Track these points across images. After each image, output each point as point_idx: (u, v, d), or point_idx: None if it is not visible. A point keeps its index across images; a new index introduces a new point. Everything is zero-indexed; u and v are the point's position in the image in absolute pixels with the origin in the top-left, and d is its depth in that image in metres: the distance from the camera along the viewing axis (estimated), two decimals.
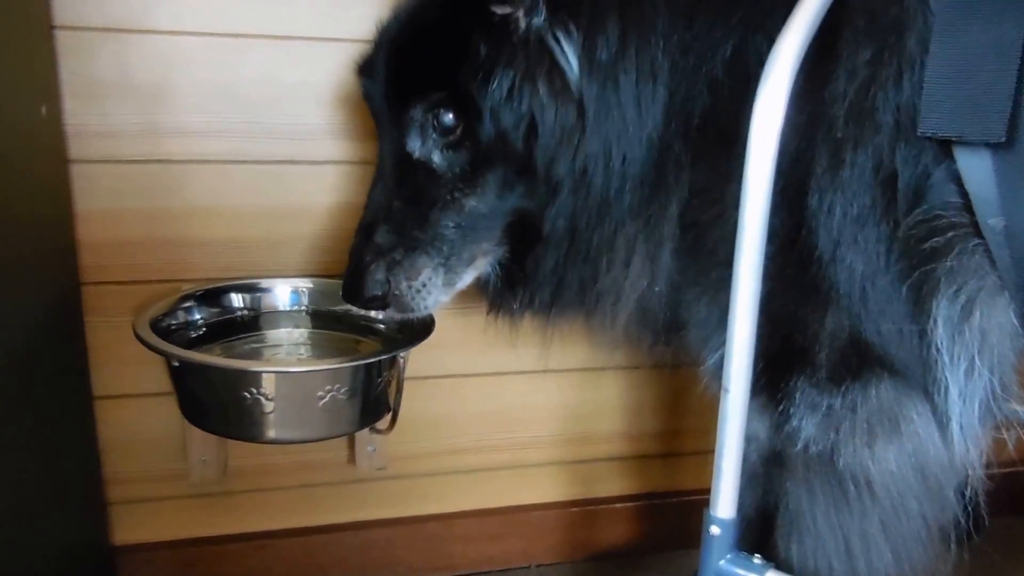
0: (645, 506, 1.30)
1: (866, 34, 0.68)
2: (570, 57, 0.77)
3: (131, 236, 1.03)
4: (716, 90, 0.76)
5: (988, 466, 0.78)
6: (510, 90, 0.78)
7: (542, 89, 0.78)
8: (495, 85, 0.78)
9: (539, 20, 0.78)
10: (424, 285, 0.85)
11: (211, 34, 0.99)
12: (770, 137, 0.65)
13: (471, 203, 0.83)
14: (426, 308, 0.87)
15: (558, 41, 0.77)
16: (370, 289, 0.85)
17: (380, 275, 0.84)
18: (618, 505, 1.29)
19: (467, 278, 0.89)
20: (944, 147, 0.66)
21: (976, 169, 0.64)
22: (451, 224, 0.84)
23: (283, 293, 1.08)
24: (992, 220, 0.64)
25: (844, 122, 0.69)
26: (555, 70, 0.78)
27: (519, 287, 0.88)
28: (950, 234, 0.67)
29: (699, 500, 1.26)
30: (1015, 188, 0.63)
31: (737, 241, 0.67)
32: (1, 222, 0.78)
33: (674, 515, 1.30)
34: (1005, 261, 0.66)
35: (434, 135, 0.83)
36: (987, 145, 0.63)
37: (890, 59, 0.67)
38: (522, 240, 0.86)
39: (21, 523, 0.83)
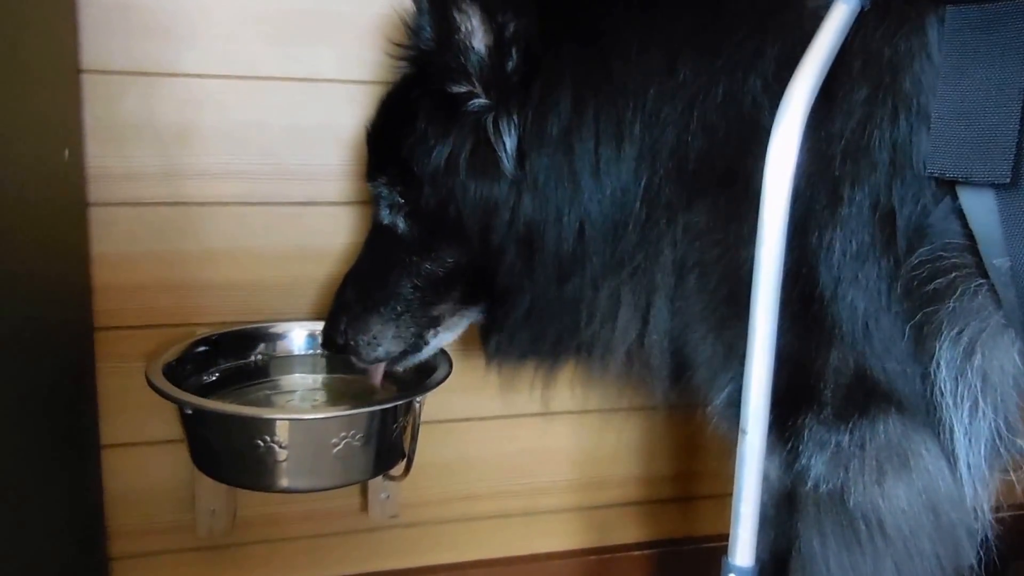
0: (661, 553, 1.28)
1: (862, 74, 0.70)
2: (505, 138, 0.81)
3: (146, 280, 1.02)
4: (711, 133, 0.77)
5: (999, 508, 0.78)
6: (440, 165, 0.84)
7: (462, 166, 0.83)
8: (432, 159, 0.84)
9: (482, 101, 0.82)
10: (375, 338, 0.93)
11: (236, 76, 1.00)
12: (784, 180, 0.65)
13: (427, 266, 0.89)
14: (375, 359, 0.95)
15: (496, 124, 0.82)
16: (332, 337, 0.95)
17: (342, 326, 0.94)
18: (634, 553, 1.28)
19: (441, 335, 0.95)
20: (943, 185, 0.68)
21: (980, 209, 0.65)
22: (408, 284, 0.91)
23: (299, 337, 1.08)
24: (998, 260, 0.65)
25: (841, 160, 0.71)
26: (479, 149, 0.82)
27: (490, 335, 0.93)
28: (953, 275, 0.68)
29: (715, 547, 1.26)
30: (1020, 228, 0.64)
31: (753, 283, 0.67)
32: (17, 266, 0.77)
33: (690, 563, 1.28)
34: (1011, 301, 0.66)
35: (396, 203, 0.90)
36: (991, 186, 0.63)
37: (885, 98, 0.69)
38: (488, 298, 0.91)
39: None
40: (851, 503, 0.75)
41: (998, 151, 0.62)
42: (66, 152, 0.91)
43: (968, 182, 0.65)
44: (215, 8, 0.98)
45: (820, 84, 0.66)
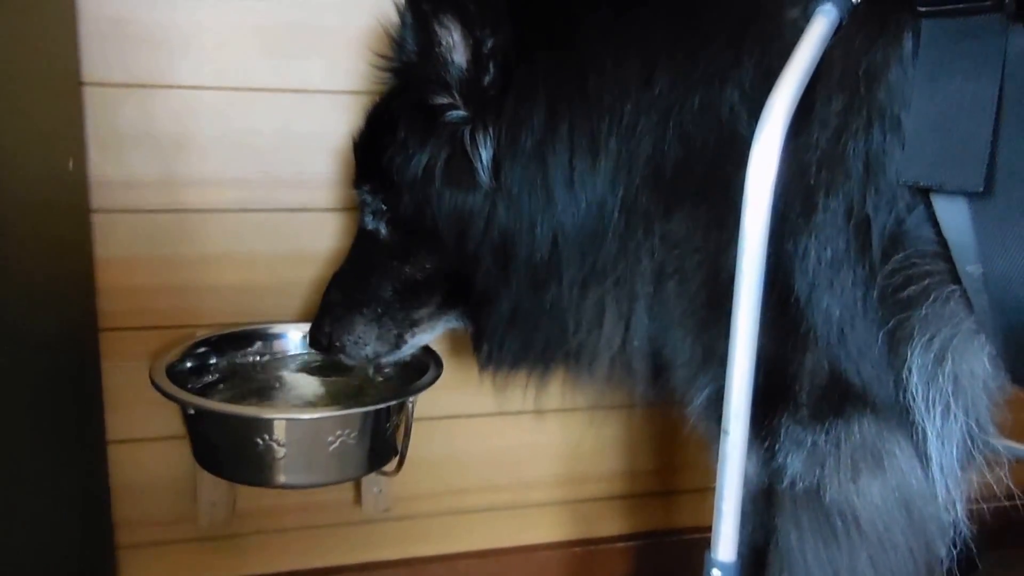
0: (642, 545, 1.31)
1: (839, 85, 0.70)
2: (481, 149, 0.83)
3: (148, 283, 1.05)
4: (688, 142, 0.78)
5: (973, 500, 0.79)
6: (418, 173, 0.86)
7: (438, 176, 0.85)
8: (410, 167, 0.87)
9: (460, 113, 0.84)
10: (360, 338, 0.96)
11: (230, 88, 1.03)
12: (764, 190, 0.66)
13: (407, 270, 0.92)
14: (365, 357, 0.98)
15: (473, 135, 0.84)
16: (317, 337, 0.98)
17: (327, 327, 0.97)
18: (618, 544, 1.31)
19: (419, 335, 0.98)
20: (917, 194, 0.68)
21: (954, 217, 0.66)
22: (389, 288, 0.94)
23: (294, 337, 1.11)
24: (970, 267, 0.66)
25: (816, 169, 0.71)
26: (455, 159, 0.84)
27: (481, 343, 0.95)
28: (926, 282, 0.69)
29: (696, 539, 1.30)
30: (992, 235, 0.64)
31: (735, 290, 0.68)
32: (25, 270, 0.80)
33: (670, 554, 1.31)
34: (983, 306, 0.67)
35: (379, 210, 0.93)
36: (964, 194, 0.64)
37: (860, 109, 0.69)
38: (467, 302, 0.93)
39: (27, 569, 0.82)
40: (827, 499, 0.77)
41: (971, 160, 0.63)
42: (70, 162, 0.94)
43: (942, 190, 0.65)
44: (209, 22, 1.00)
45: (800, 95, 0.66)
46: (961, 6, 0.63)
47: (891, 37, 0.69)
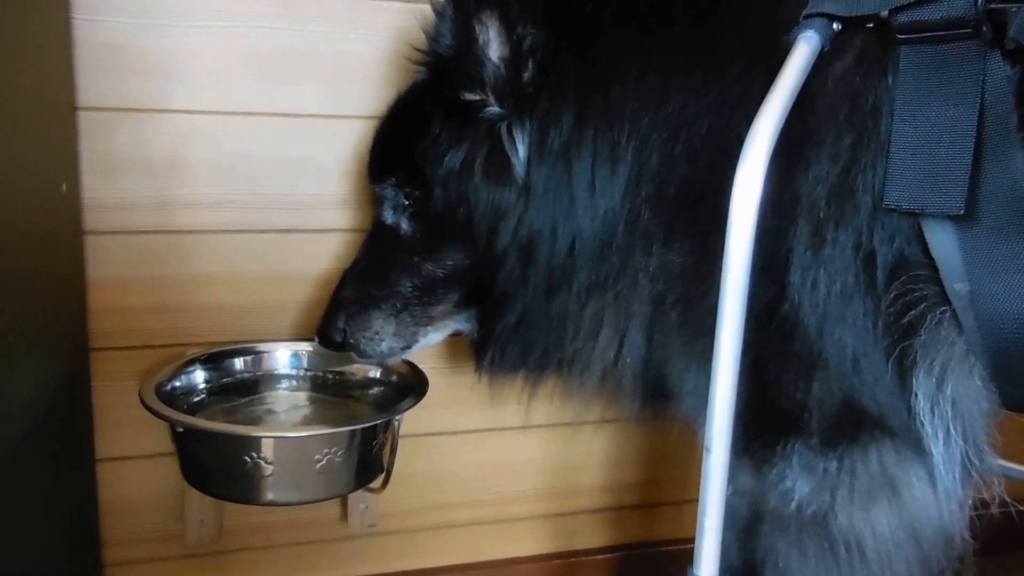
0: (624, 557, 1.34)
1: (848, 120, 0.71)
2: (518, 145, 0.84)
3: (139, 303, 1.06)
4: (693, 162, 0.79)
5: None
6: (454, 169, 0.86)
7: (477, 171, 0.85)
8: (445, 163, 0.86)
9: (495, 110, 0.85)
10: (377, 334, 0.96)
11: (223, 112, 1.04)
12: (749, 209, 0.67)
13: (427, 266, 0.92)
14: (380, 354, 0.98)
15: (510, 131, 0.84)
16: (330, 334, 0.97)
17: (340, 323, 0.96)
18: (599, 557, 1.33)
19: (431, 334, 0.99)
20: (916, 224, 0.69)
21: (941, 238, 0.67)
22: (408, 284, 0.93)
23: (283, 356, 1.12)
24: (958, 285, 0.67)
25: (826, 202, 0.72)
26: (494, 155, 0.85)
27: (486, 346, 0.95)
28: (922, 306, 0.70)
29: (676, 551, 1.33)
30: (977, 255, 0.66)
31: (719, 303, 0.68)
32: (19, 292, 0.81)
33: (651, 565, 1.34)
34: (971, 324, 0.68)
35: (401, 205, 0.93)
36: (949, 216, 0.66)
37: (869, 143, 0.70)
38: (483, 303, 0.93)
39: None
40: (834, 527, 0.77)
41: (952, 184, 0.64)
42: (64, 186, 0.95)
43: (924, 214, 0.67)
44: (203, 48, 1.02)
45: (783, 119, 0.67)
46: (940, 34, 0.65)
47: (881, 69, 0.70)
